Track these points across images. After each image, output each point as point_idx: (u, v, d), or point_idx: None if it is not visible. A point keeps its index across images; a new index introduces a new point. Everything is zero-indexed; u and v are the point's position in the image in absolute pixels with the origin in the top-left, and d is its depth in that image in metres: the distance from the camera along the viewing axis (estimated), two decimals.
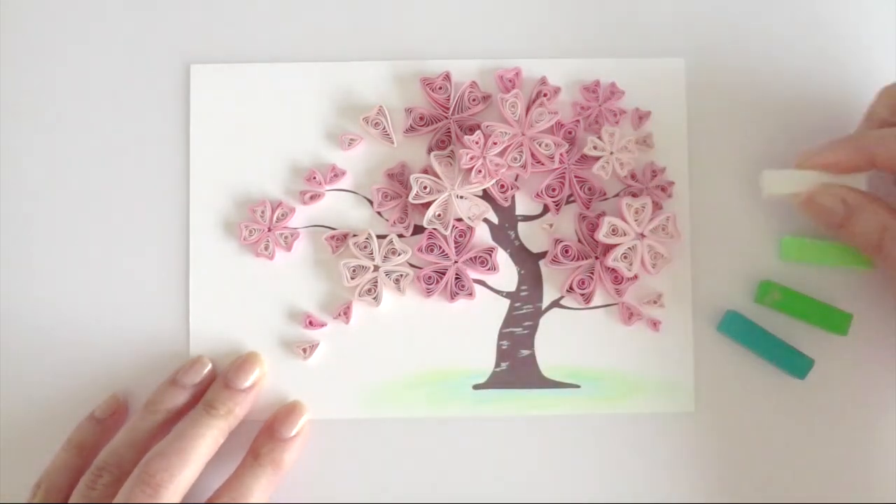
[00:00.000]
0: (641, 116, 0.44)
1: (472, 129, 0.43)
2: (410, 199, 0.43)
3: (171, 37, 0.44)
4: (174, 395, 0.41)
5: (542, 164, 0.43)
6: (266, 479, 0.40)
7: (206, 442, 0.40)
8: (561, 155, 0.43)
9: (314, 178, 0.43)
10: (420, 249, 0.43)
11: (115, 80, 0.44)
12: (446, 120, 0.44)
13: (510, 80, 0.44)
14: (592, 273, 0.43)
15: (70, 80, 0.44)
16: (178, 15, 0.44)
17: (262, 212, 0.43)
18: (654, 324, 0.43)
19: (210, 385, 0.42)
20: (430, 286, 0.43)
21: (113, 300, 0.43)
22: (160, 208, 0.43)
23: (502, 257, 0.44)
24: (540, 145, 0.43)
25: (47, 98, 0.44)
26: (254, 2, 0.45)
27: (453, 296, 0.43)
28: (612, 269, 0.43)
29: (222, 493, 0.40)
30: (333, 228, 0.44)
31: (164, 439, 0.39)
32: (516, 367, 0.43)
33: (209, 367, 0.42)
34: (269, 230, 0.43)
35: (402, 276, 0.43)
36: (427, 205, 0.43)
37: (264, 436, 0.42)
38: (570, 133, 0.44)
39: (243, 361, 0.42)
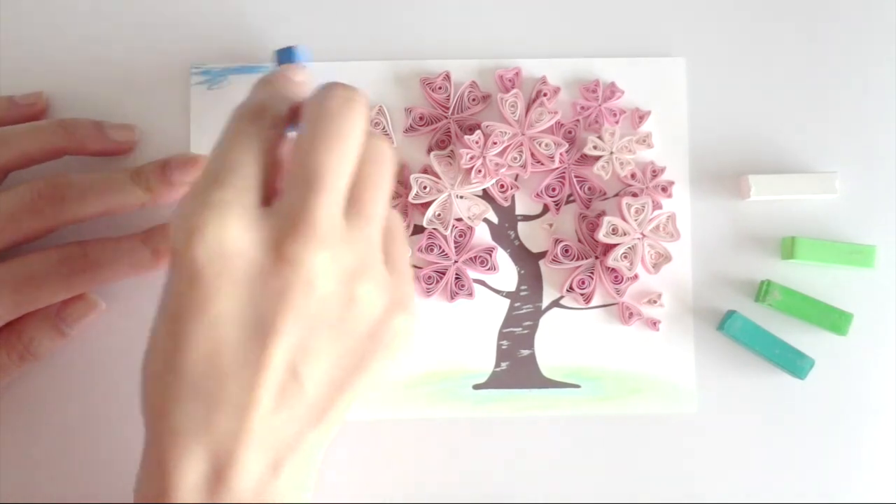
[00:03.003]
0: (641, 116, 0.44)
1: (471, 129, 0.43)
2: (410, 198, 0.43)
3: (171, 37, 0.44)
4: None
5: (542, 164, 0.43)
6: (138, 257, 0.41)
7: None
8: (561, 155, 0.43)
9: None
10: (420, 249, 0.43)
11: (115, 80, 0.44)
12: (446, 120, 0.44)
13: (510, 80, 0.44)
14: (592, 273, 0.43)
15: (70, 81, 0.44)
16: (178, 15, 0.44)
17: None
18: (654, 324, 0.43)
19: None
20: (430, 286, 0.43)
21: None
22: (160, 208, 0.43)
23: (502, 257, 0.44)
24: (540, 145, 0.43)
25: (46, 98, 0.44)
26: (254, 2, 0.45)
27: (453, 296, 0.43)
28: (612, 269, 0.43)
29: (87, 245, 0.40)
30: None
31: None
32: (516, 367, 0.43)
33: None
34: None
35: None
36: (427, 205, 0.43)
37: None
38: (570, 133, 0.44)
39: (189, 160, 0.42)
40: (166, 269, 0.32)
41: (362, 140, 0.33)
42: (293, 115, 0.35)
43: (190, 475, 0.30)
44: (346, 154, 0.32)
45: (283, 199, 0.32)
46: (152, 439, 0.32)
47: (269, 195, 0.33)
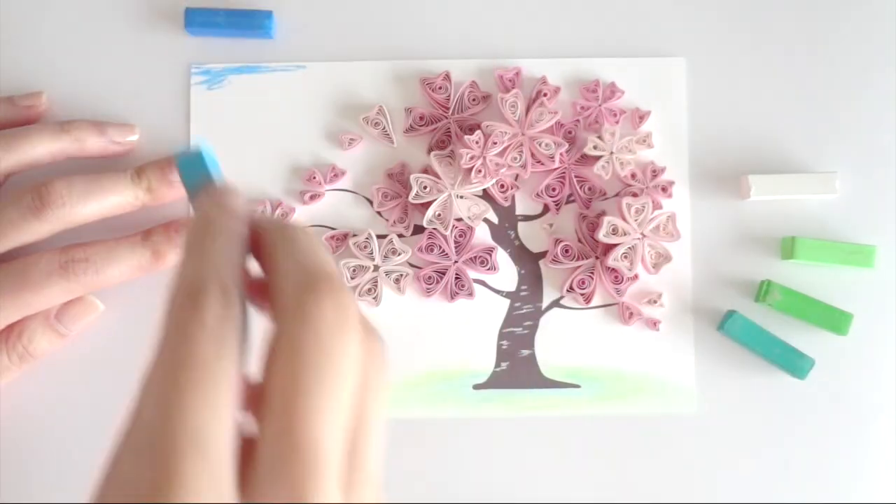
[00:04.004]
0: (641, 116, 0.44)
1: (472, 129, 0.43)
2: (410, 198, 0.43)
3: (171, 36, 0.44)
4: None
5: (542, 164, 0.43)
6: (138, 259, 0.41)
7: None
8: (561, 155, 0.43)
9: (314, 177, 0.43)
10: (420, 249, 0.43)
11: (115, 80, 0.44)
12: (446, 120, 0.44)
13: (510, 80, 0.44)
14: (592, 273, 0.43)
15: (70, 81, 0.44)
16: (178, 14, 0.44)
17: (262, 211, 0.43)
18: (654, 323, 0.43)
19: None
20: (430, 286, 0.43)
21: None
22: (160, 208, 0.43)
23: (502, 257, 0.44)
24: (540, 145, 0.43)
25: (46, 99, 0.44)
26: (253, 2, 0.45)
27: (453, 296, 0.43)
28: (613, 269, 0.43)
29: (88, 248, 0.40)
30: (333, 228, 0.44)
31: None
32: (516, 367, 0.43)
33: None
34: None
35: (401, 275, 0.43)
36: (427, 205, 0.43)
37: (163, 228, 0.42)
38: (570, 133, 0.44)
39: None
40: (166, 271, 0.31)
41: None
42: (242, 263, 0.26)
43: None
44: (343, 405, 0.24)
45: (264, 481, 0.23)
46: None
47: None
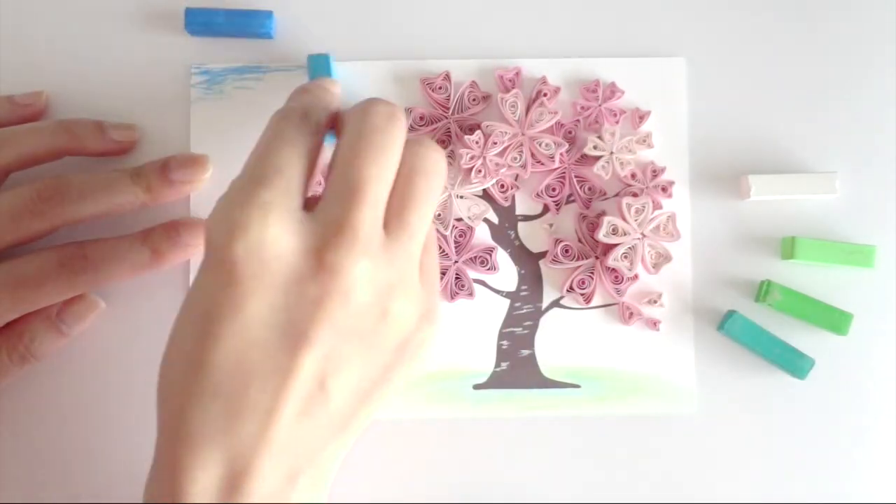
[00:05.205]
0: (641, 116, 0.44)
1: (472, 129, 0.43)
2: None
3: (171, 37, 0.44)
4: None
5: (542, 164, 0.43)
6: (137, 257, 0.40)
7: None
8: (561, 155, 0.43)
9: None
10: None
11: (115, 80, 0.44)
12: (446, 120, 0.44)
13: (510, 80, 0.44)
14: (592, 273, 0.43)
15: (70, 81, 0.44)
16: (178, 15, 0.44)
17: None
18: (654, 324, 0.43)
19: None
20: None
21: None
22: (160, 209, 0.43)
23: (502, 257, 0.44)
24: (540, 145, 0.43)
25: (46, 98, 0.44)
26: (253, 2, 0.45)
27: (453, 296, 0.43)
28: (613, 269, 0.43)
29: (86, 245, 0.40)
30: None
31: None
32: (516, 367, 0.43)
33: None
34: None
35: None
36: None
37: (163, 229, 0.42)
38: (570, 133, 0.44)
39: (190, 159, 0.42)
40: (202, 263, 0.32)
41: (403, 154, 0.33)
42: (331, 124, 0.35)
43: (204, 480, 0.30)
44: (388, 167, 0.32)
45: (324, 207, 0.32)
46: (167, 440, 0.31)
47: (307, 201, 0.33)
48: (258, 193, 0.31)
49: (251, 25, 0.43)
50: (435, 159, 0.34)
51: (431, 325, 0.34)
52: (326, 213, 0.32)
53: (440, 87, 0.44)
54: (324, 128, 0.35)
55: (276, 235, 0.31)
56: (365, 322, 0.32)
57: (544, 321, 0.43)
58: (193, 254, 0.42)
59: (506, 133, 0.43)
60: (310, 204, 0.33)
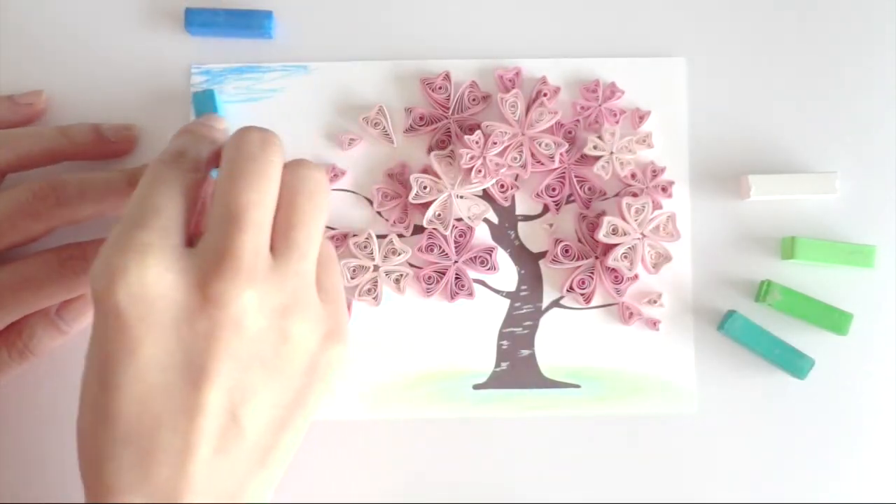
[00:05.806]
0: (641, 116, 0.44)
1: (472, 129, 0.43)
2: (410, 199, 0.43)
3: (171, 36, 0.44)
4: None
5: (542, 164, 0.43)
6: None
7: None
8: (561, 155, 0.43)
9: None
10: (420, 249, 0.43)
11: (115, 80, 0.44)
12: (446, 120, 0.44)
13: (510, 80, 0.44)
14: (592, 273, 0.43)
15: (70, 81, 0.44)
16: (178, 15, 0.44)
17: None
18: (654, 324, 0.43)
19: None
20: (430, 286, 0.43)
21: None
22: None
23: (502, 257, 0.44)
24: (540, 145, 0.43)
25: (46, 98, 0.44)
26: (253, 2, 0.45)
27: (453, 296, 0.43)
28: (613, 269, 0.43)
29: (85, 246, 0.40)
30: (333, 228, 0.44)
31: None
32: (516, 367, 0.43)
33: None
34: None
35: (401, 275, 0.43)
36: (427, 205, 0.43)
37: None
38: (570, 133, 0.44)
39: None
40: (94, 314, 0.31)
41: (283, 176, 0.33)
42: (215, 159, 0.35)
43: None
44: (267, 192, 0.32)
45: (206, 239, 0.32)
46: (90, 493, 0.31)
47: (192, 237, 0.33)
48: (135, 235, 0.31)
49: (251, 25, 0.43)
50: (317, 179, 0.34)
51: (337, 343, 0.33)
52: (207, 245, 0.31)
53: (440, 87, 0.44)
54: (205, 163, 0.34)
55: (157, 275, 0.30)
56: (264, 348, 0.31)
57: (544, 321, 0.43)
58: None
59: (506, 133, 0.43)
60: (196, 240, 0.33)
